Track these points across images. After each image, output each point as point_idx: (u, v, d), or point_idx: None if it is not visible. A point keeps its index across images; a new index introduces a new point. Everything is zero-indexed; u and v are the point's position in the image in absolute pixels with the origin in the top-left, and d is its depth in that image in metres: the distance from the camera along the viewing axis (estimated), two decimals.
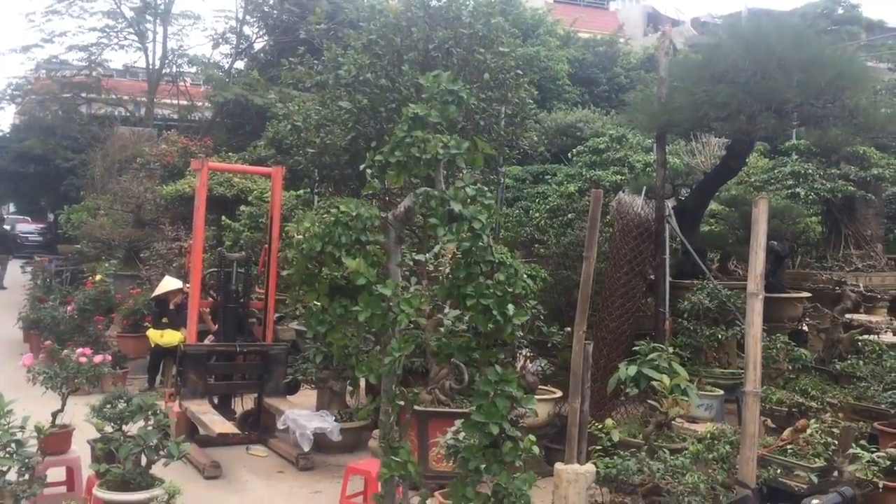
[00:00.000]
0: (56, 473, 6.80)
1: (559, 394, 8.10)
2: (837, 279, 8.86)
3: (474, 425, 2.13)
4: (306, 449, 7.93)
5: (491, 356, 2.31)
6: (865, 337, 7.37)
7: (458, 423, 6.65)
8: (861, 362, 6.80)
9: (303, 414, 8.23)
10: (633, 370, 6.62)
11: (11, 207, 37.97)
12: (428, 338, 7.80)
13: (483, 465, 2.15)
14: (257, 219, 14.08)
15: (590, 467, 5.55)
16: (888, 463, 4.79)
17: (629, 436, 6.32)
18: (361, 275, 2.28)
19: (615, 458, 5.63)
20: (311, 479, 7.84)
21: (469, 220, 2.29)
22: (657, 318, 8.53)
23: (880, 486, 4.96)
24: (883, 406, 6.04)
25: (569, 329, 7.88)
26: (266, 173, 10.68)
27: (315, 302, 2.49)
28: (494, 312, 2.25)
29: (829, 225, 10.90)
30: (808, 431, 5.07)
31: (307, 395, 9.89)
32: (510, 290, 2.30)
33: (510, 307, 2.29)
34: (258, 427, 8.93)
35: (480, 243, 2.30)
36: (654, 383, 6.40)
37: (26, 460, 5.81)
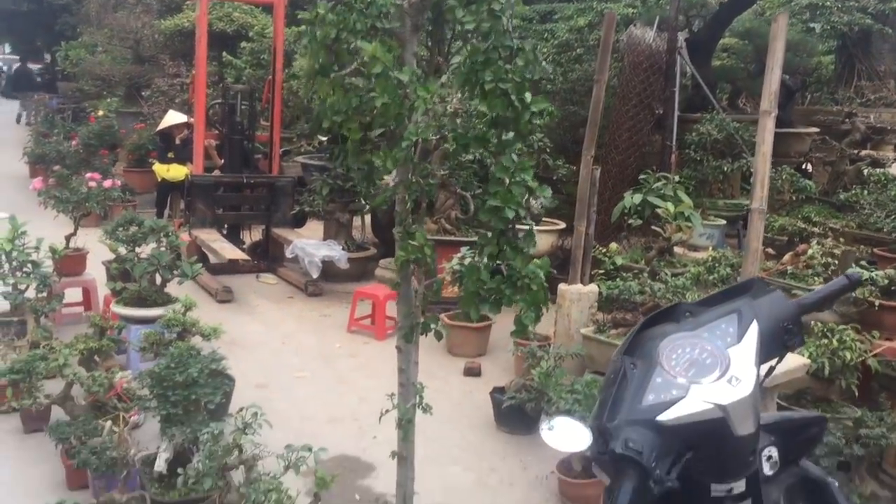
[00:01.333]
0: (72, 294, 7.01)
1: (563, 225, 8.21)
2: (847, 111, 8.77)
3: (490, 210, 2.16)
4: (315, 276, 8.12)
5: (507, 146, 2.31)
6: (872, 170, 7.38)
7: (463, 249, 6.84)
8: (865, 192, 6.84)
9: (311, 243, 8.37)
10: (638, 198, 6.69)
11: (7, 49, 37.14)
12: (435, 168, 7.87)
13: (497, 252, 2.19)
14: (259, 55, 13.77)
15: (593, 287, 5.70)
16: (886, 282, 4.91)
17: (631, 261, 6.45)
18: (378, 60, 2.25)
19: (618, 280, 5.76)
20: (319, 304, 8.08)
21: (488, 1, 2.24)
22: (664, 151, 8.51)
23: (876, 304, 5.11)
24: (884, 231, 6.13)
25: (574, 167, 7.88)
26: (268, 3, 10.37)
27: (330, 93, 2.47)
28: (513, 97, 2.24)
29: (843, 60, 10.69)
30: (810, 252, 5.18)
31: (314, 228, 10.03)
32: (528, 76, 2.28)
33: (528, 95, 2.28)
34: (267, 256, 9.11)
35: (500, 26, 2.26)
36: (659, 211, 6.48)
37: (45, 279, 5.98)
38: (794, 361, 4.34)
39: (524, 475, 4.80)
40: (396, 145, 2.44)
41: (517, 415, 5.19)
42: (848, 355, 4.45)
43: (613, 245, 6.36)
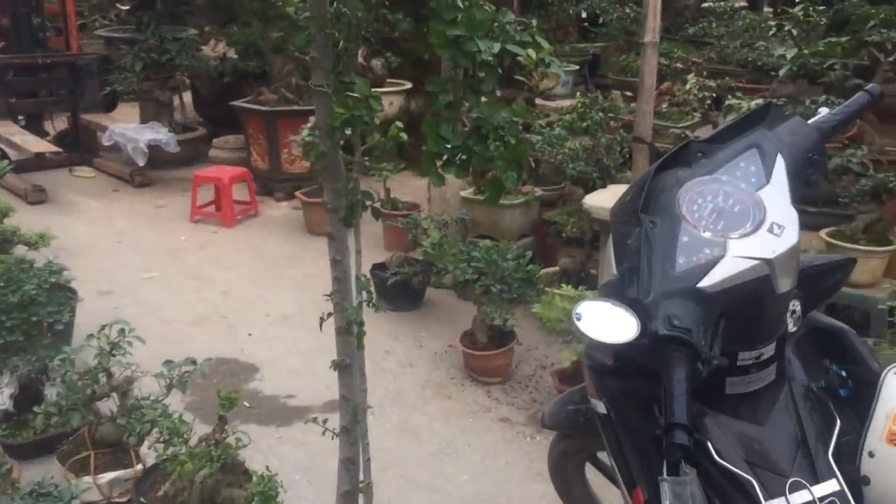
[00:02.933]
0: None
1: (408, 85, 7.68)
2: None
3: (447, 44, 1.65)
4: (141, 164, 7.22)
5: None
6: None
7: (312, 118, 6.20)
8: (713, 24, 6.73)
9: (131, 127, 7.40)
10: (496, 46, 6.23)
11: None
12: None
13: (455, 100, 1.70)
14: None
15: None
16: None
17: None
18: None
19: None
20: (151, 195, 7.23)
21: None
22: None
23: None
24: (744, 62, 6.05)
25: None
26: None
27: None
28: None
29: None
30: (688, 87, 5.00)
31: (127, 112, 8.93)
32: None
33: None
34: (78, 147, 8.01)
35: None
36: (520, 59, 6.06)
37: None
38: None
39: (422, 353, 4.47)
40: None
41: (402, 291, 4.82)
42: None
43: None
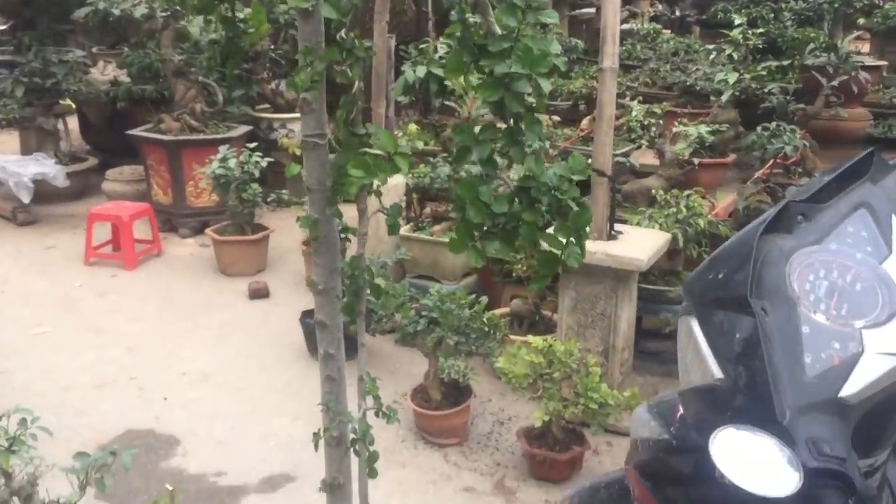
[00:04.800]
0: None
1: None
2: None
3: (494, 83, 1.25)
4: (25, 201, 6.48)
5: None
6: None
7: (222, 149, 5.66)
8: (637, 46, 6.56)
9: (12, 160, 6.66)
10: (421, 70, 5.86)
11: None
12: (165, 54, 6.44)
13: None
14: None
15: (399, 179, 4.88)
16: (712, 138, 4.62)
17: (426, 144, 5.69)
18: None
19: (421, 167, 5.00)
20: (38, 234, 6.49)
21: None
22: (419, 20, 7.72)
23: (697, 163, 4.84)
24: (677, 85, 5.88)
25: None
26: None
27: None
28: None
29: None
30: (634, 114, 4.75)
31: (6, 140, 8.14)
32: None
33: None
34: None
35: None
36: (448, 83, 5.72)
37: None
38: (660, 238, 3.89)
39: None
40: None
41: None
42: (700, 222, 4.09)
43: (413, 127, 5.54)
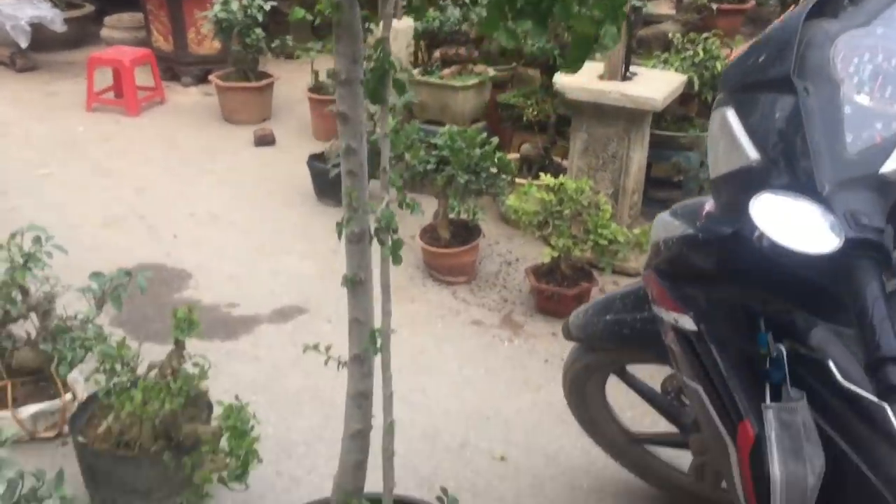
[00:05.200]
0: None
1: None
2: None
3: None
4: (23, 45, 6.31)
5: None
6: None
7: None
8: None
9: (7, 3, 6.43)
10: None
11: None
12: None
13: None
14: None
15: (408, 22, 4.74)
16: None
17: None
18: None
19: (430, 11, 4.85)
20: (38, 81, 6.37)
21: None
22: None
23: (715, 9, 4.70)
24: None
25: None
26: None
27: None
28: None
29: None
30: None
31: None
32: None
33: None
34: None
35: None
36: None
37: None
38: (675, 80, 3.81)
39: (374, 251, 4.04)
40: None
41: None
42: (717, 66, 4.00)
43: None
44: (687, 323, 1.54)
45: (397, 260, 1.48)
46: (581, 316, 2.09)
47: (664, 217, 1.68)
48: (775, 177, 1.25)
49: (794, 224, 1.14)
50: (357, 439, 1.73)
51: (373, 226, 1.54)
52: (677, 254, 1.56)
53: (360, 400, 1.69)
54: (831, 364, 1.42)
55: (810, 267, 1.19)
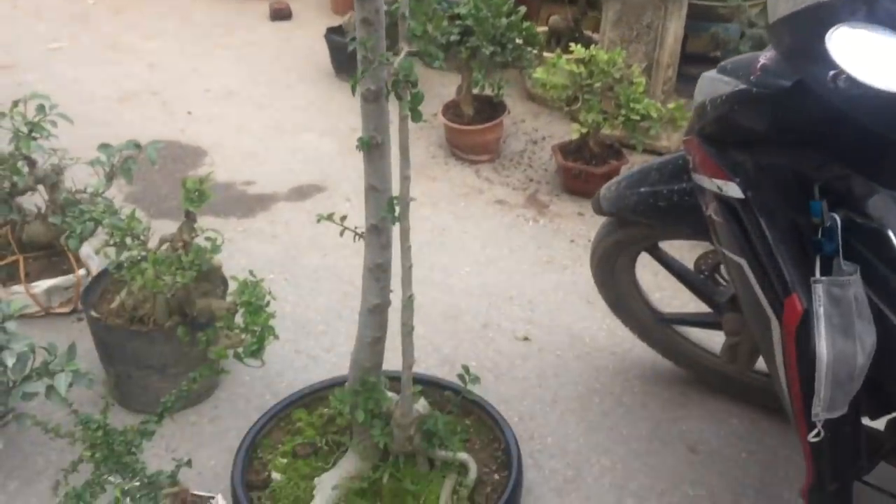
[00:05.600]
0: None
1: None
2: None
3: None
4: None
5: None
6: None
7: None
8: None
9: None
10: None
11: None
12: None
13: None
14: None
15: None
16: None
17: None
18: None
19: None
20: None
21: None
22: None
23: None
24: None
25: None
26: None
27: None
28: None
29: None
30: None
31: None
32: None
33: None
34: None
35: None
36: None
37: None
38: None
39: (393, 129, 3.89)
40: None
41: None
42: None
43: None
44: (733, 191, 1.42)
45: (417, 116, 1.34)
46: (613, 188, 1.96)
47: (711, 75, 1.52)
48: (851, 11, 1.10)
49: (876, 59, 0.99)
50: (375, 314, 1.64)
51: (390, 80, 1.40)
52: (725, 113, 1.41)
53: (377, 273, 1.60)
54: (891, 234, 1.30)
55: (886, 113, 1.05)
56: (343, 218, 1.61)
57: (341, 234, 1.62)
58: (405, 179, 1.44)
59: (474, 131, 3.52)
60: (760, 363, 1.97)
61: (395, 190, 1.51)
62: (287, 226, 3.14)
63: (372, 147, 1.47)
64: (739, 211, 1.42)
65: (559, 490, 2.05)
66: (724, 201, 1.46)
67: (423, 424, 1.73)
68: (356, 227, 1.60)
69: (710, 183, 1.49)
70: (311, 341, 2.55)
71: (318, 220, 1.60)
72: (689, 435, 2.22)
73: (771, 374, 1.52)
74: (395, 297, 1.65)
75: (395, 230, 1.54)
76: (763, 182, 1.39)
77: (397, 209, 1.47)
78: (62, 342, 2.48)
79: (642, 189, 1.86)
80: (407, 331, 1.60)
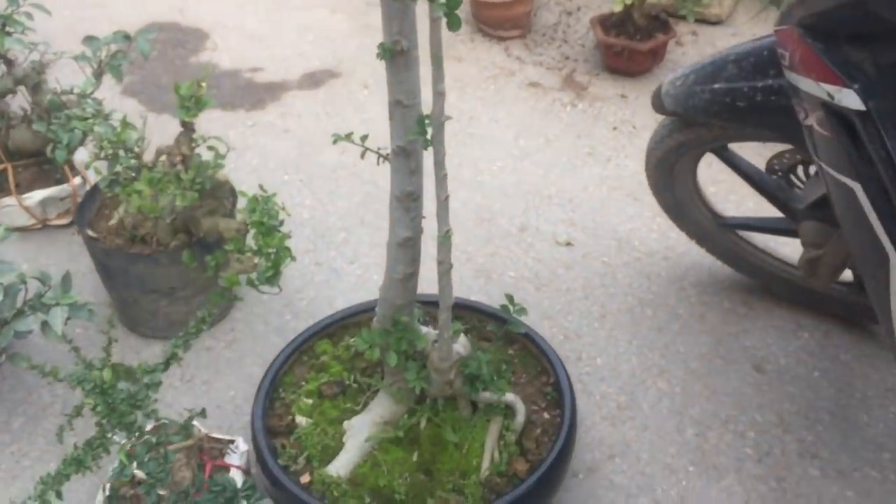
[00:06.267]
0: None
1: None
2: None
3: None
4: None
5: None
6: None
7: None
8: None
9: None
10: None
11: None
12: None
13: None
14: None
15: None
16: None
17: None
18: None
19: None
20: None
21: None
22: None
23: None
24: None
25: None
26: None
27: None
28: None
29: None
30: None
31: None
32: None
33: None
34: None
35: None
36: None
37: None
38: None
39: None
40: None
41: None
42: None
43: None
44: (849, 100, 1.13)
45: (455, 22, 1.05)
46: (679, 84, 1.66)
47: None
48: None
49: None
50: (405, 248, 1.40)
51: None
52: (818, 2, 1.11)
53: (407, 202, 1.34)
54: None
55: None
56: (364, 137, 1.34)
57: (362, 155, 1.35)
58: (438, 95, 1.17)
59: (502, 4, 3.16)
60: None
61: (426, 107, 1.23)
62: (300, 118, 2.86)
63: (395, 54, 1.19)
64: (857, 124, 1.14)
65: (613, 419, 1.86)
66: (834, 111, 1.18)
67: (465, 368, 1.52)
68: (379, 149, 1.34)
69: (817, 88, 1.20)
70: (333, 252, 2.33)
71: (335, 142, 1.34)
72: (755, 352, 2.00)
73: (880, 318, 1.27)
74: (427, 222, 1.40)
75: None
76: (891, 90, 1.11)
77: (430, 131, 1.20)
78: (62, 259, 2.28)
79: (717, 85, 1.56)
80: (445, 269, 1.37)
